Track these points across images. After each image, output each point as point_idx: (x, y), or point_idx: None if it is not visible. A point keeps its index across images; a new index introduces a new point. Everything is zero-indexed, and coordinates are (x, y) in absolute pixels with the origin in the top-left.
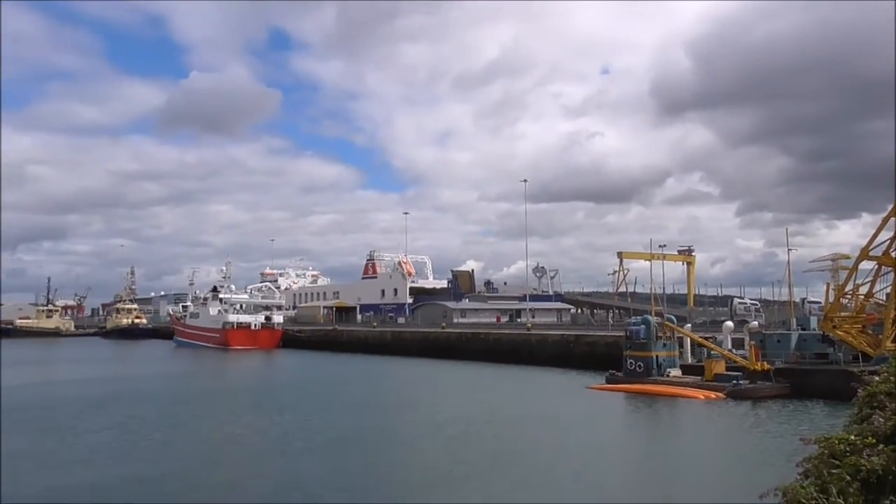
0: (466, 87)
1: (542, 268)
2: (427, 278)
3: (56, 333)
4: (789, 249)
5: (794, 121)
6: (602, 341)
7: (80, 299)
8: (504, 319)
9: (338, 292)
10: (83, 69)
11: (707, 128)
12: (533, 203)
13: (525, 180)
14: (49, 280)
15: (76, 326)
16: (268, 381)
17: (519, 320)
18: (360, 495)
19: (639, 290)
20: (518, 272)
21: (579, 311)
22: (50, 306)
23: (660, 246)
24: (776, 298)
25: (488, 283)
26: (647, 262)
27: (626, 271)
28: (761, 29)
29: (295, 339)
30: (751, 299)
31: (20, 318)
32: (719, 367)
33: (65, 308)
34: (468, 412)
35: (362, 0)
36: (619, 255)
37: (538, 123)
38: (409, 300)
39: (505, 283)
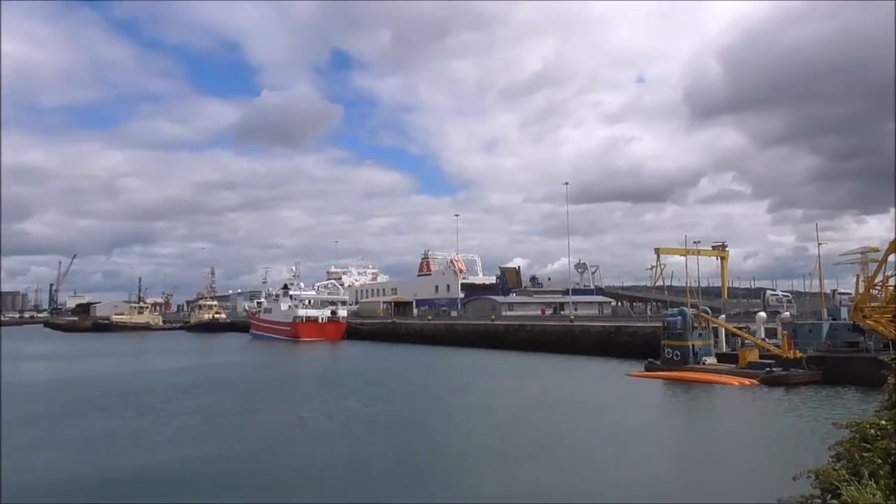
0: (512, 98)
1: (584, 264)
2: (477, 275)
3: (147, 328)
4: (819, 244)
5: (822, 121)
6: (641, 332)
7: (167, 297)
8: (548, 312)
9: (395, 288)
10: (168, 91)
11: (738, 130)
12: (574, 204)
13: (567, 183)
14: (140, 280)
15: (164, 321)
16: (334, 369)
17: (562, 313)
18: (419, 472)
19: (675, 283)
20: (561, 268)
21: (619, 303)
22: (141, 303)
23: (694, 242)
24: (807, 290)
25: (534, 279)
26: (683, 258)
27: (662, 266)
28: (789, 35)
29: (357, 331)
30: (783, 291)
31: (115, 315)
32: (753, 356)
33: (154, 305)
34: (516, 397)
35: (415, 21)
36: (656, 251)
37: (579, 130)
38: (461, 295)
39: (549, 279)
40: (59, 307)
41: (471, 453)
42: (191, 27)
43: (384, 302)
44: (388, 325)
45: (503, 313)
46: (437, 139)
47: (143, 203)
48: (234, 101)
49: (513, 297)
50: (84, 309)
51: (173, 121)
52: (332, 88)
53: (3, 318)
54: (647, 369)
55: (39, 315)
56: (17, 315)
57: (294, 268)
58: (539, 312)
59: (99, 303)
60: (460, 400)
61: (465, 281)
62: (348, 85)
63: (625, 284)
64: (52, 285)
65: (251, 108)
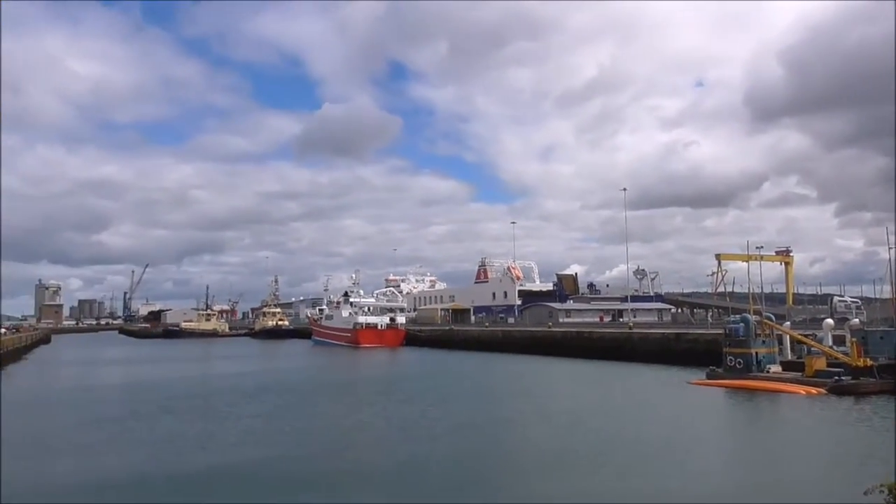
0: (568, 105)
1: (643, 270)
2: (534, 282)
3: (213, 334)
4: (890, 248)
5: (891, 122)
6: (702, 339)
7: (233, 304)
8: (607, 319)
9: (453, 296)
10: (234, 106)
11: (802, 132)
12: (632, 210)
13: (625, 189)
14: (207, 288)
15: (230, 328)
16: (393, 374)
17: (621, 320)
18: (478, 476)
19: (737, 289)
20: (619, 275)
21: (679, 310)
22: (208, 311)
23: (757, 247)
24: (878, 296)
25: (591, 286)
26: (745, 263)
27: (724, 272)
28: (855, 33)
29: (416, 337)
30: (851, 297)
31: (185, 322)
32: (820, 364)
33: (220, 312)
34: (575, 403)
35: (472, 31)
36: (717, 256)
37: (636, 135)
38: (518, 302)
39: (607, 286)
40: (133, 314)
41: (530, 458)
42: (255, 43)
43: (442, 309)
44: (446, 332)
45: (560, 320)
46: (494, 147)
47: (211, 214)
48: (296, 114)
49: (570, 304)
50: (155, 316)
51: (238, 134)
52: (391, 99)
53: (81, 325)
54: (708, 377)
55: (114, 322)
56: (94, 322)
57: (354, 275)
58: (597, 319)
59: (169, 310)
60: (519, 405)
61: (522, 288)
62: (406, 95)
63: (685, 291)
64: (126, 293)
65: (312, 121)
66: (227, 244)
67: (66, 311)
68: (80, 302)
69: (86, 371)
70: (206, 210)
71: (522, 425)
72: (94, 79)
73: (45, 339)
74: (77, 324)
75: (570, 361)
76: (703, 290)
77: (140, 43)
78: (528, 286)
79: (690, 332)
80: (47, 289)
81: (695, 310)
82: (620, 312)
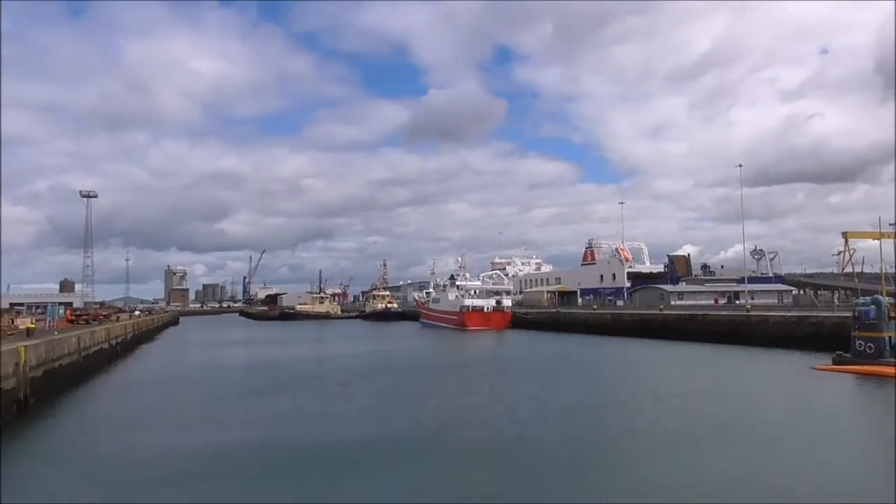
0: (679, 81)
1: (761, 250)
2: (644, 263)
3: (326, 316)
4: None
5: None
6: (827, 322)
7: (344, 288)
8: (722, 301)
9: (559, 278)
10: (344, 96)
11: None
12: (749, 187)
13: (741, 165)
14: (320, 272)
15: (342, 310)
16: (500, 356)
17: (738, 302)
18: (589, 456)
19: (866, 269)
20: (735, 255)
21: (801, 292)
22: (322, 294)
23: (889, 224)
24: None
25: (705, 267)
26: (876, 241)
27: (851, 251)
28: None
29: (522, 320)
30: None
31: (299, 304)
32: None
33: (333, 295)
34: (689, 387)
35: (577, 11)
36: (845, 234)
37: (753, 109)
38: (627, 284)
39: (722, 267)
40: (252, 297)
41: (643, 441)
42: (363, 34)
43: (548, 292)
44: (552, 315)
45: (672, 303)
46: (601, 127)
47: (324, 201)
48: (404, 102)
49: (682, 286)
50: (272, 299)
51: (349, 124)
52: (496, 83)
53: (205, 308)
54: (835, 362)
55: (235, 305)
56: (216, 305)
57: (460, 259)
58: (711, 302)
59: (285, 293)
60: (630, 388)
61: (631, 270)
62: (511, 78)
63: (807, 271)
64: (245, 278)
65: (419, 108)
66: (339, 230)
67: (191, 295)
68: (205, 286)
69: (211, 351)
70: (318, 198)
71: (633, 408)
72: (214, 76)
73: (174, 321)
74: (202, 306)
75: (683, 345)
76: (828, 270)
77: (255, 39)
78: (638, 268)
79: (814, 314)
80: (175, 274)
81: (819, 291)
82: (737, 294)
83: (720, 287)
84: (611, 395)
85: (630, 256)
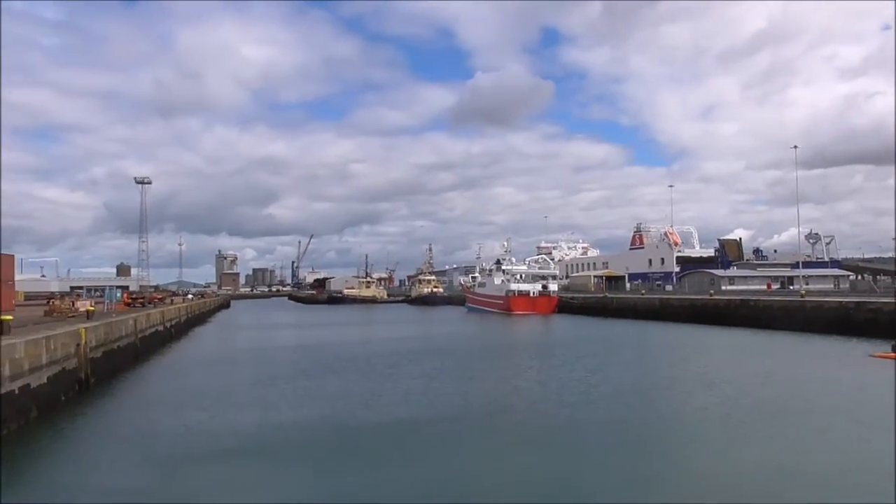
0: (731, 60)
1: (816, 234)
2: (693, 247)
3: (373, 300)
4: None
5: None
6: (886, 308)
7: (390, 272)
8: (775, 287)
9: (606, 262)
10: (390, 80)
11: None
12: (805, 169)
13: (796, 146)
14: (367, 257)
15: (388, 294)
16: (547, 341)
17: (791, 287)
18: (637, 440)
19: None
20: (789, 240)
21: (859, 277)
22: (368, 278)
23: None
24: None
25: (757, 251)
26: None
27: None
28: None
29: (568, 305)
30: None
31: (347, 289)
32: None
33: (379, 280)
34: (740, 373)
35: None
36: None
37: (810, 88)
38: (676, 269)
39: (775, 251)
40: (300, 282)
41: (692, 426)
42: (409, 18)
43: (595, 276)
44: (599, 300)
45: (723, 288)
46: (649, 108)
47: (370, 186)
48: (449, 85)
49: (734, 271)
50: (320, 283)
51: (395, 108)
52: (542, 65)
53: (255, 291)
54: (894, 350)
55: (284, 289)
56: (266, 289)
57: (506, 243)
58: (764, 287)
59: (333, 278)
60: (679, 373)
61: (680, 254)
62: (557, 60)
63: (866, 256)
64: (293, 262)
65: (465, 91)
66: (385, 215)
67: (241, 279)
68: (254, 270)
69: (261, 334)
70: (365, 183)
71: (683, 393)
72: (263, 62)
73: (226, 304)
74: (251, 290)
75: (735, 331)
76: (888, 255)
77: (302, 25)
78: (687, 252)
79: (873, 300)
80: (226, 258)
81: (878, 277)
82: (790, 280)
83: (773, 272)
84: (660, 379)
85: (679, 240)
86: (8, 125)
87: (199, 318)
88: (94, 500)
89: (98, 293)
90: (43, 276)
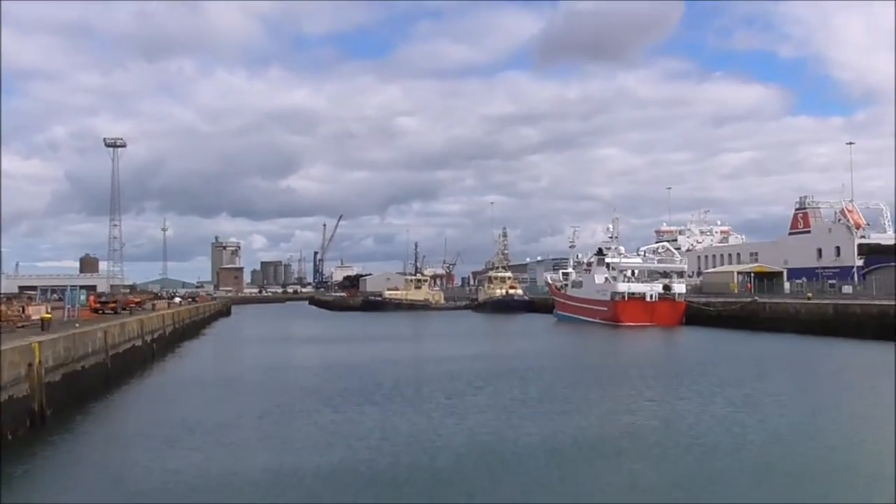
0: None
1: None
2: (884, 232)
3: (425, 306)
4: None
5: None
6: None
7: (449, 267)
8: None
9: (756, 253)
10: (451, 3)
11: None
12: None
13: None
14: (416, 246)
15: (446, 298)
16: (671, 363)
17: None
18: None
19: None
20: None
21: None
22: (418, 276)
23: None
24: None
25: None
26: None
27: None
28: None
29: (701, 313)
30: None
31: (388, 290)
32: None
33: (434, 277)
34: None
35: None
36: None
37: None
38: (858, 262)
39: None
40: (325, 280)
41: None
42: None
43: (739, 272)
44: (745, 306)
45: None
46: (821, 35)
47: (423, 148)
48: (535, 8)
49: None
50: (352, 282)
51: (458, 41)
52: None
53: (265, 293)
54: None
55: (304, 290)
56: (279, 289)
57: (611, 226)
58: None
59: (369, 275)
60: (867, 413)
61: (864, 241)
62: None
63: None
64: (316, 253)
65: (556, 16)
66: (443, 187)
67: (246, 277)
68: (263, 265)
69: (273, 350)
70: (416, 143)
71: (872, 451)
72: None
73: (225, 311)
74: (260, 292)
75: None
76: None
77: None
78: (875, 238)
79: None
80: (225, 248)
81: None
82: None
83: None
84: (840, 423)
85: (863, 222)
86: None
87: (189, 330)
88: None
89: (57, 295)
90: None
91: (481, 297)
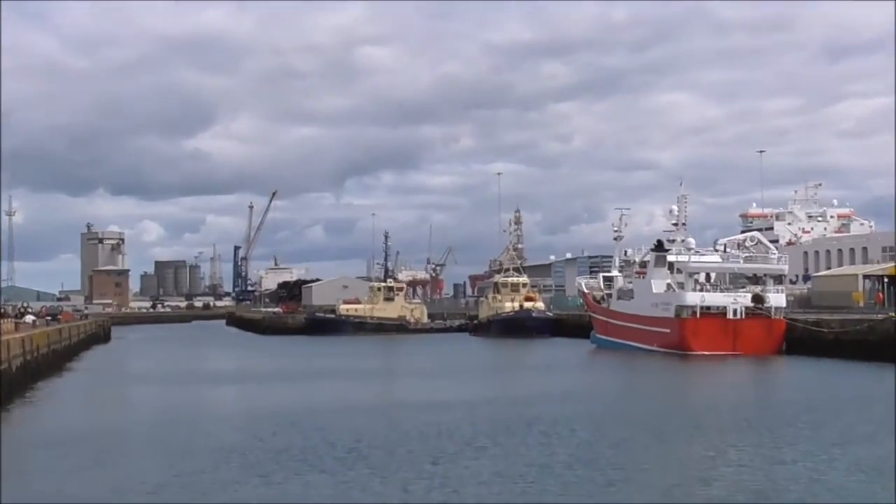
0: None
1: None
2: None
3: (400, 327)
4: None
5: None
6: None
7: (435, 269)
8: None
9: (892, 248)
10: None
11: None
12: None
13: None
14: (387, 237)
15: (430, 315)
16: (766, 411)
17: None
18: None
19: None
20: None
21: None
22: (390, 282)
23: None
24: None
25: None
26: None
27: None
28: None
29: (809, 337)
30: None
31: (346, 303)
32: None
33: (412, 284)
34: None
35: None
36: None
37: None
38: None
39: None
40: (251, 288)
41: None
42: None
43: (867, 276)
44: (875, 326)
45: None
46: None
47: (399, 92)
48: None
49: None
50: (291, 292)
51: None
52: None
53: (161, 308)
54: None
55: (219, 304)
56: (182, 303)
57: (675, 208)
58: None
59: (317, 281)
60: None
61: None
62: None
63: None
64: (238, 249)
65: None
66: (428, 150)
67: (134, 284)
68: (159, 266)
69: (174, 393)
70: (389, 85)
71: None
72: None
73: (101, 335)
74: (154, 306)
75: None
76: None
77: None
78: None
79: None
80: (102, 242)
81: None
82: None
83: None
84: None
85: None
86: None
87: (48, 363)
88: None
89: None
90: None
91: (483, 312)
